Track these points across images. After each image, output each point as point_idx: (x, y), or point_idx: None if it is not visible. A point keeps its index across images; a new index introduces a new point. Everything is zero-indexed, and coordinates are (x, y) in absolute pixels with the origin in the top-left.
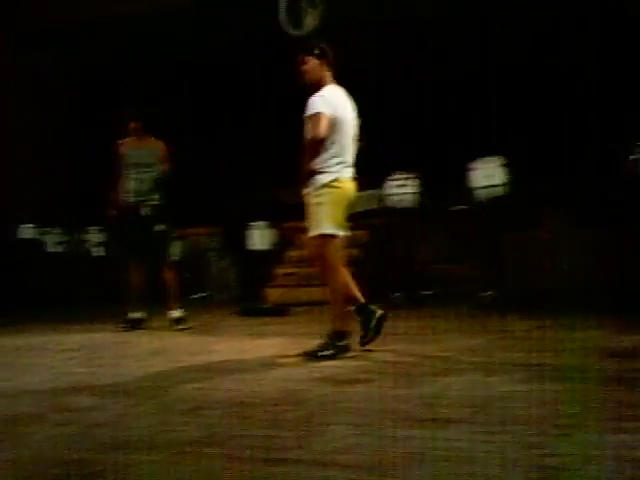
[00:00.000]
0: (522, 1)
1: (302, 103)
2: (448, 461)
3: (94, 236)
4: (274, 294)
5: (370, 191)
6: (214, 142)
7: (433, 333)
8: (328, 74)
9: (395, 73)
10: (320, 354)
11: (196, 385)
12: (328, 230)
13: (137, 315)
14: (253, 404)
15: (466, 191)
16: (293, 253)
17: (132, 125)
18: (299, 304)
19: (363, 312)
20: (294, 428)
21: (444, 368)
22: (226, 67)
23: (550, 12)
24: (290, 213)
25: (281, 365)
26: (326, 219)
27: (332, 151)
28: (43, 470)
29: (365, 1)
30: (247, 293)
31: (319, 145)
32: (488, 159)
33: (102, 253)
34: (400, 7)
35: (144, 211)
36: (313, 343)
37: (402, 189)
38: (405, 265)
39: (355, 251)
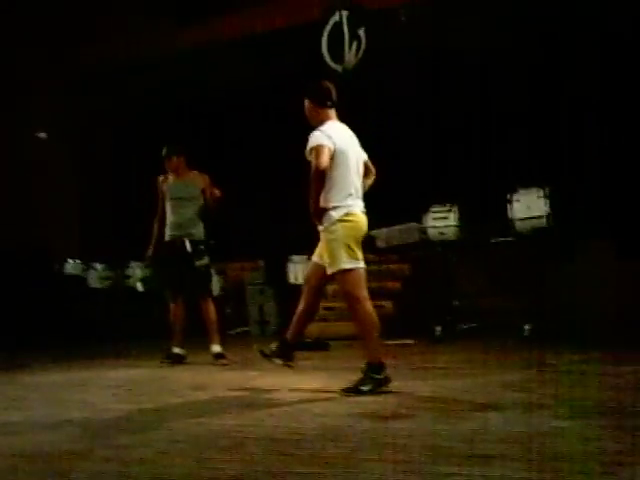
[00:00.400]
0: (573, 31)
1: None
2: None
3: (137, 271)
4: (314, 329)
5: (410, 224)
6: (256, 176)
7: (473, 367)
8: (326, 113)
9: (436, 104)
10: (361, 388)
11: (237, 421)
12: (347, 265)
13: (178, 351)
14: (293, 440)
15: (507, 223)
16: (333, 287)
17: (174, 160)
18: (339, 338)
19: (300, 348)
20: (334, 465)
21: (484, 403)
22: (267, 102)
23: (598, 40)
24: None
25: (322, 400)
26: (344, 254)
27: (339, 186)
28: None
29: (406, 34)
30: (287, 327)
31: (322, 176)
32: (529, 190)
33: (145, 288)
34: (441, 39)
35: (185, 246)
36: (353, 378)
37: (442, 221)
38: (445, 298)
39: (396, 284)
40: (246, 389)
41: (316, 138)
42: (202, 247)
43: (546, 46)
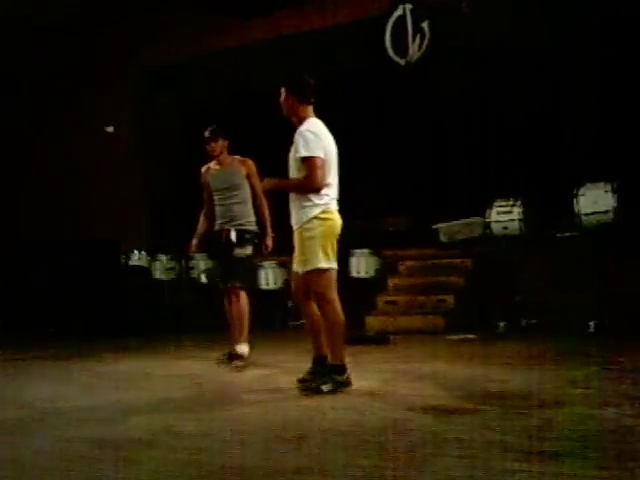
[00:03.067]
0: None
1: (406, 132)
2: None
3: (201, 263)
4: (375, 322)
5: (473, 218)
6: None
7: (537, 363)
8: (307, 110)
9: (500, 97)
10: (321, 387)
11: (299, 413)
12: (323, 264)
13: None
14: (356, 433)
15: (572, 217)
16: (395, 281)
17: (215, 145)
18: (400, 332)
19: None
20: (398, 459)
21: (550, 399)
22: (330, 97)
23: None
24: (392, 240)
25: (383, 394)
26: (320, 253)
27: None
28: None
29: (470, 28)
30: (348, 321)
31: (313, 192)
32: (596, 184)
33: (208, 280)
34: (505, 31)
35: (230, 236)
36: (415, 372)
37: (506, 216)
38: (508, 293)
39: (458, 279)
40: None
41: (310, 145)
42: (248, 237)
43: (615, 38)
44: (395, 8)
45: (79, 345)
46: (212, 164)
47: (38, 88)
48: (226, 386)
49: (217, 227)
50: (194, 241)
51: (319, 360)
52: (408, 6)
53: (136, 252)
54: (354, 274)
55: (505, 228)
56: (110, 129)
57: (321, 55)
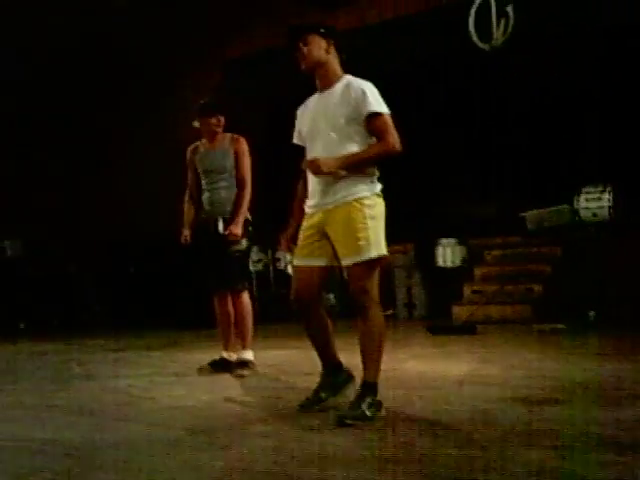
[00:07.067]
0: None
1: (491, 119)
2: None
3: (287, 255)
4: (462, 312)
5: (562, 205)
6: (406, 159)
7: (630, 353)
8: (338, 60)
9: (587, 82)
10: (367, 414)
11: (387, 403)
12: (384, 251)
13: (225, 355)
14: (444, 423)
15: None
16: (481, 270)
17: (209, 121)
18: (488, 322)
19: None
20: (488, 449)
21: None
22: (415, 84)
23: None
24: (478, 229)
25: (471, 384)
26: (382, 237)
27: None
28: None
29: (556, 12)
30: (435, 311)
31: (390, 158)
32: None
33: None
34: (590, 15)
35: (218, 227)
36: (504, 362)
37: (595, 202)
38: (599, 282)
39: (546, 267)
40: (394, 371)
41: (381, 99)
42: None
43: None
44: None
45: (166, 336)
46: (201, 142)
47: (117, 86)
48: (311, 375)
49: (203, 215)
50: (185, 232)
51: (336, 370)
52: None
53: None
54: (440, 264)
55: (594, 215)
56: (196, 124)
57: (406, 43)
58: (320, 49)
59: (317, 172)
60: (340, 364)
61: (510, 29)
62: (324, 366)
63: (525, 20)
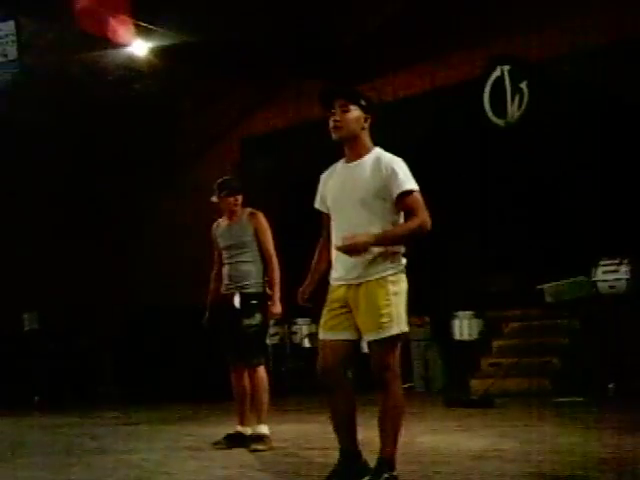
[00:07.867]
0: None
1: (508, 192)
2: None
3: (304, 328)
4: (479, 385)
5: (579, 278)
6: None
7: None
8: (369, 133)
9: (603, 155)
10: None
11: (403, 479)
12: (406, 328)
13: (240, 429)
14: None
15: None
16: (499, 343)
17: (228, 201)
18: (506, 395)
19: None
20: None
21: None
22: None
23: None
24: (495, 301)
25: (492, 458)
26: (404, 313)
27: None
28: None
29: (570, 87)
30: (452, 384)
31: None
32: None
33: (312, 344)
34: (604, 92)
35: (235, 301)
36: (523, 436)
37: (613, 275)
38: (617, 354)
39: (563, 339)
40: (411, 444)
41: (411, 176)
42: (254, 302)
43: None
44: (493, 69)
45: (189, 408)
46: (222, 219)
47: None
48: (327, 450)
49: (223, 289)
50: (207, 314)
51: (354, 458)
52: (506, 67)
53: None
54: (457, 337)
55: (612, 287)
56: (214, 199)
57: (420, 119)
58: (357, 122)
59: (353, 254)
60: (359, 453)
61: (525, 105)
62: (341, 450)
63: (539, 96)
